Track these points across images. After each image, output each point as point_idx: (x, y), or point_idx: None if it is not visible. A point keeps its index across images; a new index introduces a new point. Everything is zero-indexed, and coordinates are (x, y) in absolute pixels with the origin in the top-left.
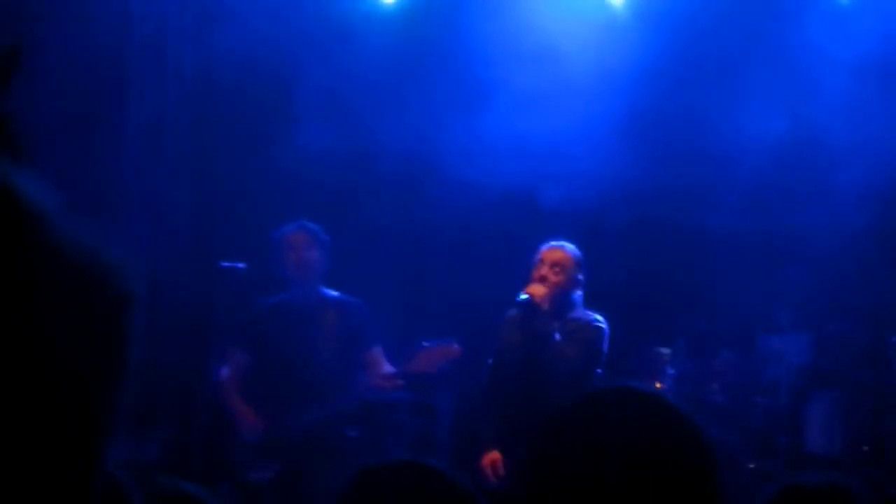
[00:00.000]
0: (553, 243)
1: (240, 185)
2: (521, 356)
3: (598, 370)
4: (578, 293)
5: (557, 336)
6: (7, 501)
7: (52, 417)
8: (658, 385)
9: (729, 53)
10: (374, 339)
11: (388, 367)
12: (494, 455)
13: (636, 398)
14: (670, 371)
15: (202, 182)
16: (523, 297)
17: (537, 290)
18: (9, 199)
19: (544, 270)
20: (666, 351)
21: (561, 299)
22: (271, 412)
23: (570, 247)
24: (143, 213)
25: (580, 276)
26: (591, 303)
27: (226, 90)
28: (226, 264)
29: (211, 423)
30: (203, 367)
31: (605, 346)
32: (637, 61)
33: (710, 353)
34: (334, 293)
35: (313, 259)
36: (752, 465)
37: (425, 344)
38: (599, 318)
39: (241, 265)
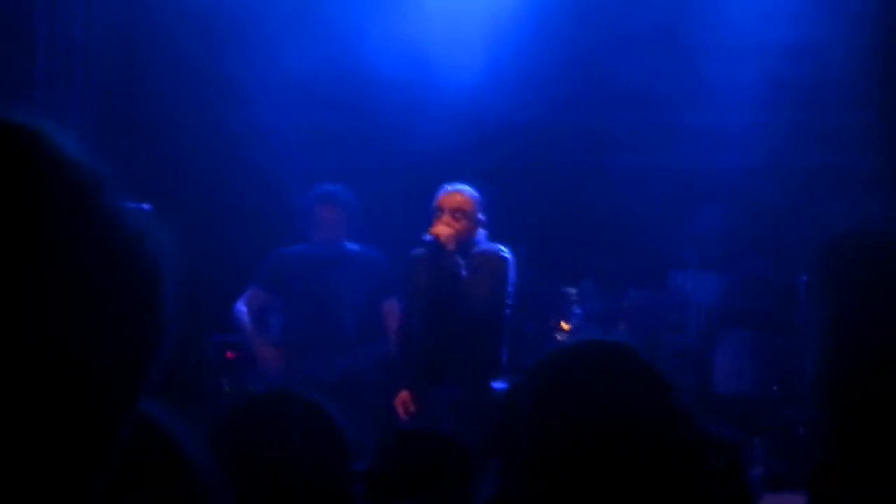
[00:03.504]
0: (449, 188)
1: (151, 119)
2: (430, 296)
3: (508, 301)
4: (482, 232)
5: (465, 273)
6: (35, 455)
7: (74, 385)
8: (565, 325)
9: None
10: (391, 292)
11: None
12: (404, 395)
13: (601, 350)
14: (577, 310)
15: (114, 118)
16: (428, 237)
17: (443, 229)
18: (55, 166)
19: (445, 219)
20: (572, 290)
21: (465, 241)
22: (295, 357)
23: (466, 189)
24: None
25: (481, 216)
26: (500, 241)
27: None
28: (129, 205)
29: None
30: None
31: (513, 276)
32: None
33: (617, 292)
34: (356, 246)
35: (332, 221)
36: None
37: None
38: (503, 248)
39: (145, 206)
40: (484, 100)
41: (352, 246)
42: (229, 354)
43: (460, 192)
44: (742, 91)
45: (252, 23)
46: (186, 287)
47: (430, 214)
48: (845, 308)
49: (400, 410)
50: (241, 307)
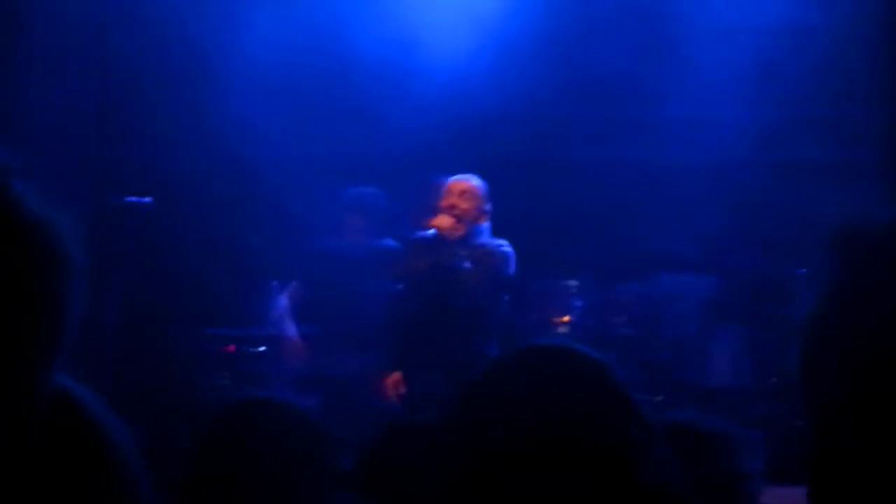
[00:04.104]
0: (459, 175)
1: (147, 117)
2: (429, 285)
3: (505, 296)
4: (485, 223)
5: (467, 265)
6: None
7: None
8: (565, 318)
9: None
10: None
11: None
12: (395, 377)
13: (577, 360)
14: (576, 303)
15: (108, 113)
16: (430, 231)
17: (443, 221)
18: None
19: (453, 199)
20: (572, 283)
21: (469, 228)
22: (316, 353)
23: (475, 178)
24: (47, 146)
25: (487, 207)
26: (499, 234)
27: (134, 41)
28: (131, 199)
29: (116, 361)
30: (107, 306)
31: (511, 271)
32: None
33: (616, 285)
34: (389, 242)
35: (356, 228)
36: (659, 398)
37: None
38: (504, 242)
39: (146, 200)
40: (478, 90)
41: (386, 242)
42: (231, 348)
43: (469, 180)
44: (735, 81)
45: (233, 8)
46: (178, 282)
47: (416, 206)
48: (848, 302)
49: (389, 393)
50: (282, 300)
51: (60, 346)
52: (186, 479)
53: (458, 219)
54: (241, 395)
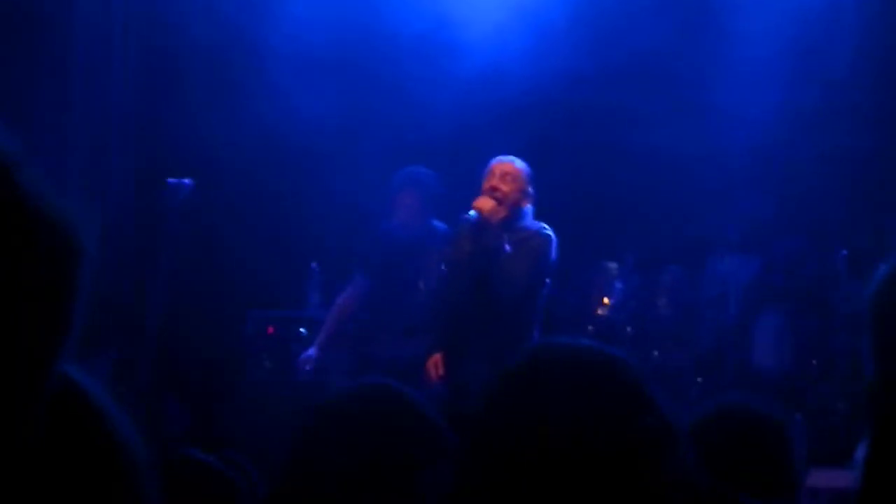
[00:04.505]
0: (502, 157)
1: (187, 97)
2: (471, 268)
3: (547, 280)
4: (528, 206)
5: (508, 248)
6: None
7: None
8: (606, 300)
9: None
10: None
11: None
12: (436, 358)
13: (591, 357)
14: (618, 285)
15: (149, 96)
16: (471, 213)
17: (485, 203)
18: None
19: (494, 181)
20: (613, 265)
21: (511, 211)
22: (373, 333)
23: (519, 161)
24: (90, 131)
25: (530, 190)
26: (540, 218)
27: (174, 23)
28: (172, 180)
29: (160, 342)
30: (150, 287)
31: (553, 255)
32: None
33: (658, 268)
34: (442, 225)
35: (410, 205)
36: (699, 380)
37: None
38: (546, 226)
39: (187, 181)
40: (519, 72)
41: (438, 225)
42: (270, 330)
43: (512, 161)
44: (778, 65)
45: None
46: (220, 264)
47: (455, 191)
48: None
49: (431, 372)
50: (339, 300)
51: (67, 338)
52: (292, 462)
53: (499, 201)
54: (359, 380)
